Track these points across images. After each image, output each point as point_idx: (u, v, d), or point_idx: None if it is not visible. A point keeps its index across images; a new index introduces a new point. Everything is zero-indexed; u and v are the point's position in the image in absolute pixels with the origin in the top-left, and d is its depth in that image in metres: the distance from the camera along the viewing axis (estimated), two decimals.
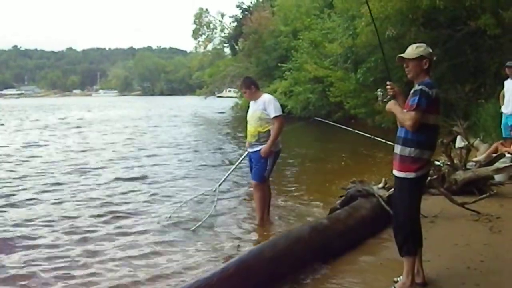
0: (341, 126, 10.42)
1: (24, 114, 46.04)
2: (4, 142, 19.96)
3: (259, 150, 7.08)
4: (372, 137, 8.98)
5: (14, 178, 11.44)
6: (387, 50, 14.01)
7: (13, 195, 9.61)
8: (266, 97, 7.25)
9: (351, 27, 20.00)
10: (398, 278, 4.44)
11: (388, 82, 4.48)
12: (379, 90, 4.61)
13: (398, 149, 4.30)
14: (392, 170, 4.38)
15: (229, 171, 8.33)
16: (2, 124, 31.51)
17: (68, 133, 24.74)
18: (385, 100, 4.50)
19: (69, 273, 5.70)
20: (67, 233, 7.16)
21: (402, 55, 4.35)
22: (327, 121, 11.62)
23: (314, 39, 26.15)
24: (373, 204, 6.48)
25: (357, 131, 9.56)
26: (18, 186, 10.58)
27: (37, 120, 35.77)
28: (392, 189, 5.41)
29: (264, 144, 7.04)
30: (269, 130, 7.06)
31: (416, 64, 4.26)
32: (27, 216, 8.12)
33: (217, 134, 24.85)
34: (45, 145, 18.90)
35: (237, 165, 8.26)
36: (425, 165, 4.27)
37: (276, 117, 7.02)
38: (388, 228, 5.95)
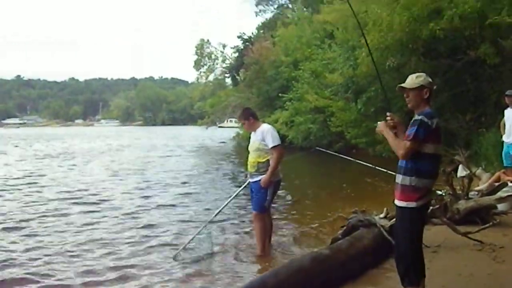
0: (342, 156, 10.43)
1: (25, 143, 46.21)
2: (7, 172, 19.90)
3: (259, 181, 7.06)
4: (373, 166, 8.98)
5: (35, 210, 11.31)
6: (387, 80, 14.12)
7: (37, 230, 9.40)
8: (264, 127, 7.25)
9: (351, 57, 20.13)
10: None
11: (388, 114, 4.49)
12: (379, 122, 4.61)
13: (399, 178, 4.29)
14: (393, 200, 4.36)
15: (226, 202, 8.22)
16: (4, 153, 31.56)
17: (76, 162, 24.77)
18: None
19: None
20: (69, 265, 7.11)
21: (402, 85, 4.37)
22: (328, 151, 11.62)
23: (314, 69, 26.29)
24: (374, 234, 6.43)
25: (358, 161, 9.56)
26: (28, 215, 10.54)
27: (37, 150, 35.69)
28: (394, 219, 5.38)
29: (264, 174, 7.02)
30: (268, 160, 7.05)
31: (416, 93, 4.29)
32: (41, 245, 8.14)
33: (223, 163, 24.74)
34: (46, 176, 18.81)
35: (234, 196, 8.16)
36: (426, 194, 4.25)
37: (274, 147, 7.01)
38: (390, 258, 5.92)
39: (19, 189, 14.68)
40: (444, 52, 17.31)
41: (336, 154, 10.80)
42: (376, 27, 16.47)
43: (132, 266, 7.11)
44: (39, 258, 7.41)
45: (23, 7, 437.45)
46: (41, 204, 12.12)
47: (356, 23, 19.28)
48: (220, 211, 8.02)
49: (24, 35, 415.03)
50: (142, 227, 9.60)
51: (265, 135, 7.09)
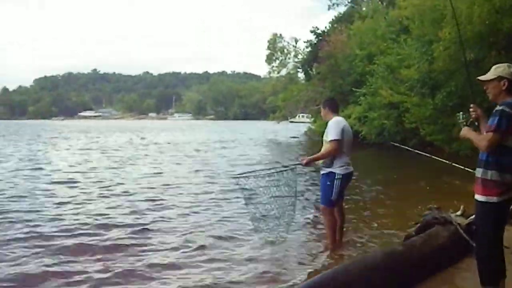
0: (418, 151, 10.13)
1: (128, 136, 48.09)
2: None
3: (326, 173, 7.04)
4: (450, 163, 8.68)
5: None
6: (465, 74, 13.66)
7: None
8: (331, 121, 7.19)
9: (428, 51, 19.65)
10: None
11: (471, 105, 4.36)
12: (461, 113, 4.48)
13: (479, 172, 4.14)
14: (473, 195, 4.22)
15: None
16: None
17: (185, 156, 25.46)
18: (465, 124, 4.39)
19: None
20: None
21: (480, 77, 4.25)
22: (405, 147, 11.34)
23: (389, 64, 25.82)
24: (450, 232, 6.24)
25: (434, 157, 9.28)
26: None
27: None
28: (471, 217, 5.21)
29: (329, 167, 7.00)
30: None
31: (494, 85, 4.18)
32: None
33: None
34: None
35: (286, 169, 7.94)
36: (508, 189, 4.07)
37: (329, 141, 6.97)
38: (467, 258, 5.75)
39: None
40: None
41: (412, 149, 10.48)
42: (454, 20, 16.00)
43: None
44: None
45: (100, 5, 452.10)
46: None
47: (433, 17, 18.98)
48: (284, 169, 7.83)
49: (100, 30, 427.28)
50: None
51: (328, 128, 7.08)
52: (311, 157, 7.16)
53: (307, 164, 7.27)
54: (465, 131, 4.31)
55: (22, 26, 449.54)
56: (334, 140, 6.95)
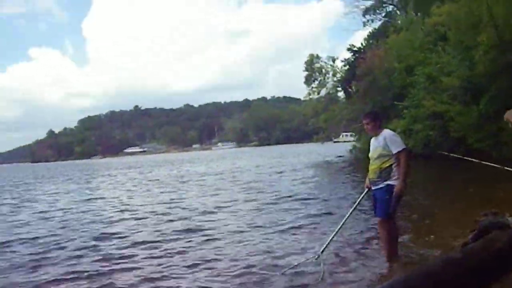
0: (469, 158, 10.00)
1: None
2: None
3: (384, 187, 6.98)
4: (502, 167, 8.53)
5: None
6: (506, 78, 13.46)
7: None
8: (386, 133, 7.16)
9: (466, 57, 19.42)
10: None
11: None
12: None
13: None
14: None
15: (337, 229, 7.86)
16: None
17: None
18: None
19: None
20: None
21: None
22: (454, 155, 11.20)
23: (429, 74, 25.53)
24: (509, 237, 6.10)
25: (484, 162, 9.13)
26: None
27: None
28: None
29: (387, 180, 6.93)
30: (391, 165, 6.94)
31: None
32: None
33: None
34: None
35: (348, 217, 7.84)
36: None
37: (399, 152, 6.89)
38: None
39: None
40: None
41: (463, 157, 10.33)
42: (490, 23, 15.83)
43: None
44: None
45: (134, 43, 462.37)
46: None
47: (469, 23, 18.77)
48: (328, 244, 7.64)
49: (139, 67, 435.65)
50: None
51: (388, 140, 7.01)
52: (403, 179, 6.89)
53: (404, 189, 6.97)
54: (509, 114, 4.25)
55: (64, 70, 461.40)
56: (405, 148, 6.98)
